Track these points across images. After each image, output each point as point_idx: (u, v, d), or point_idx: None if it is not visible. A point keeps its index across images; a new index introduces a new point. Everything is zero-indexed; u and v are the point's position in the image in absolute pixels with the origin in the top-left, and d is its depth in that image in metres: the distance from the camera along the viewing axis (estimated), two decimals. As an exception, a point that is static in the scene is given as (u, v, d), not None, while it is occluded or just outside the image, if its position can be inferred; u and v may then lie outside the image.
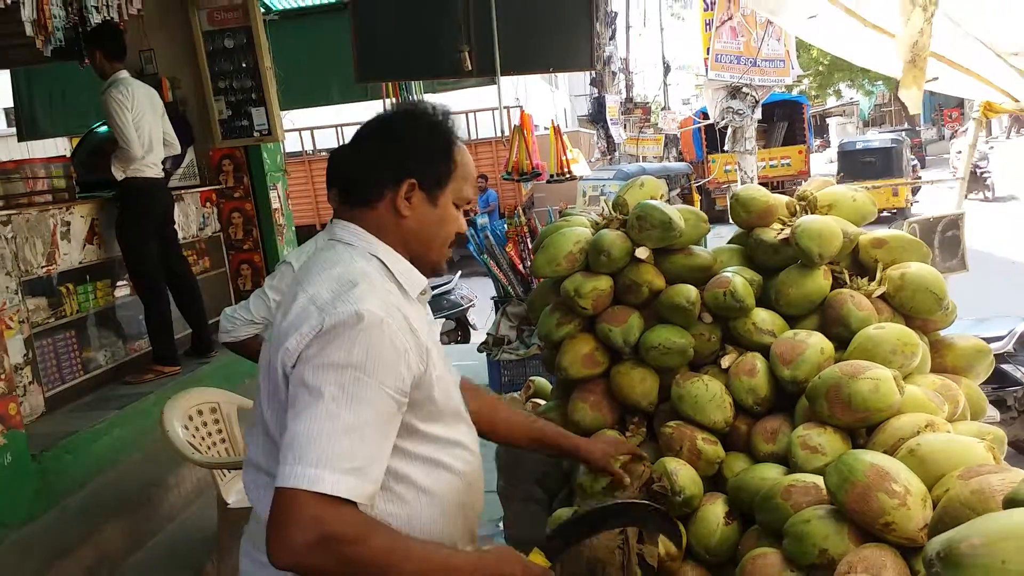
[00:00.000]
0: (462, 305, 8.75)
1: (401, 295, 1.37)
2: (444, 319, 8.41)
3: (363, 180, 1.41)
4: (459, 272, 9.35)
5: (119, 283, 4.84)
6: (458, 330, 8.87)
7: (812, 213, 2.23)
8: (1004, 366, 3.76)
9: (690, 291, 2.14)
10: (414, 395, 1.32)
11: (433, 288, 8.42)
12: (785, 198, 2.34)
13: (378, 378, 1.23)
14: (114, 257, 4.72)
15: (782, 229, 2.20)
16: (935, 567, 0.70)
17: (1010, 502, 0.98)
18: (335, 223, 1.44)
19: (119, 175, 4.50)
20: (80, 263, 4.51)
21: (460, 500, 1.43)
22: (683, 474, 1.86)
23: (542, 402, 2.82)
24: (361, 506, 1.22)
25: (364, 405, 1.20)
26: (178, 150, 4.92)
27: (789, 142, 17.89)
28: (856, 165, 16.29)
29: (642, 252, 2.21)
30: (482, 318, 8.72)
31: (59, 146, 10.31)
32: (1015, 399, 3.78)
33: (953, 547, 0.69)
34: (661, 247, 2.23)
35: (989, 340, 3.44)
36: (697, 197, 14.43)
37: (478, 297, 8.58)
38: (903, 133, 21.44)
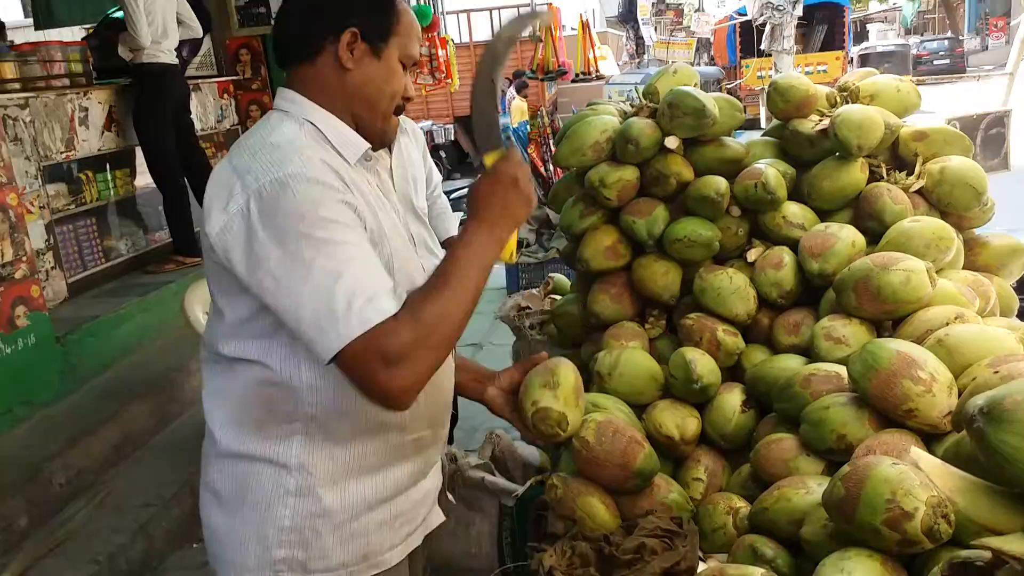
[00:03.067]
0: (481, 209, 8.66)
1: (341, 161, 1.29)
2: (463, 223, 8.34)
3: (301, 34, 1.31)
4: (479, 176, 9.22)
5: (139, 173, 4.82)
6: (477, 234, 8.81)
7: (853, 104, 2.13)
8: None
9: (719, 182, 2.08)
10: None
11: (452, 192, 8.28)
12: (826, 88, 2.23)
13: (335, 218, 1.17)
14: (133, 146, 4.69)
15: (820, 120, 2.11)
16: (977, 423, 0.67)
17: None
18: (278, 92, 1.35)
19: (126, 56, 4.41)
20: (99, 150, 4.48)
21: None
22: (702, 363, 1.85)
23: (560, 298, 2.81)
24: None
25: (341, 245, 1.16)
26: (199, 33, 4.79)
27: (827, 47, 17.10)
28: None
29: (671, 142, 2.14)
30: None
31: (76, 35, 10.10)
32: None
33: (997, 403, 0.66)
34: (691, 137, 2.15)
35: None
36: (726, 104, 13.87)
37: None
38: (946, 41, 20.52)
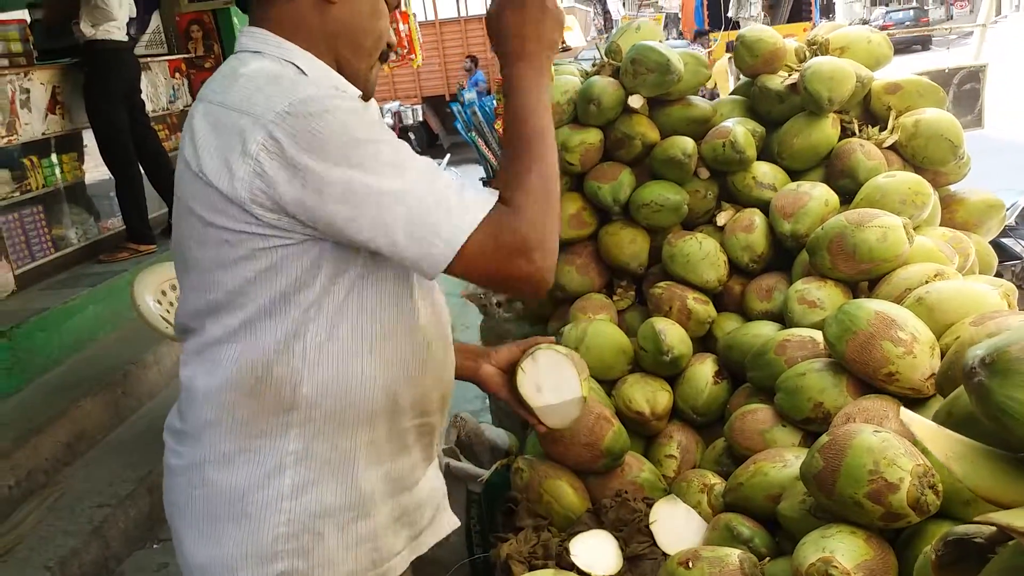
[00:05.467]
0: (451, 189, 8.53)
1: None
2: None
3: None
4: (448, 155, 9.09)
5: (87, 157, 4.62)
6: (447, 215, 8.69)
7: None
8: (1004, 240, 3.64)
9: (687, 143, 1.97)
10: None
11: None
12: (795, 43, 2.14)
13: (383, 126, 1.05)
14: (79, 128, 4.48)
15: (790, 75, 2.01)
16: (978, 376, 0.58)
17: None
18: (241, 32, 1.17)
19: (88, 31, 4.18)
20: (43, 134, 4.28)
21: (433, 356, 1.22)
22: (672, 333, 1.75)
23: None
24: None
25: (407, 148, 1.04)
26: (133, 12, 4.57)
27: (795, 19, 17.14)
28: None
29: (635, 100, 2.03)
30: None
31: (17, 13, 9.69)
32: (1013, 273, 3.69)
33: (1002, 351, 0.57)
34: (656, 96, 2.05)
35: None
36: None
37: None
38: (911, 12, 20.63)
